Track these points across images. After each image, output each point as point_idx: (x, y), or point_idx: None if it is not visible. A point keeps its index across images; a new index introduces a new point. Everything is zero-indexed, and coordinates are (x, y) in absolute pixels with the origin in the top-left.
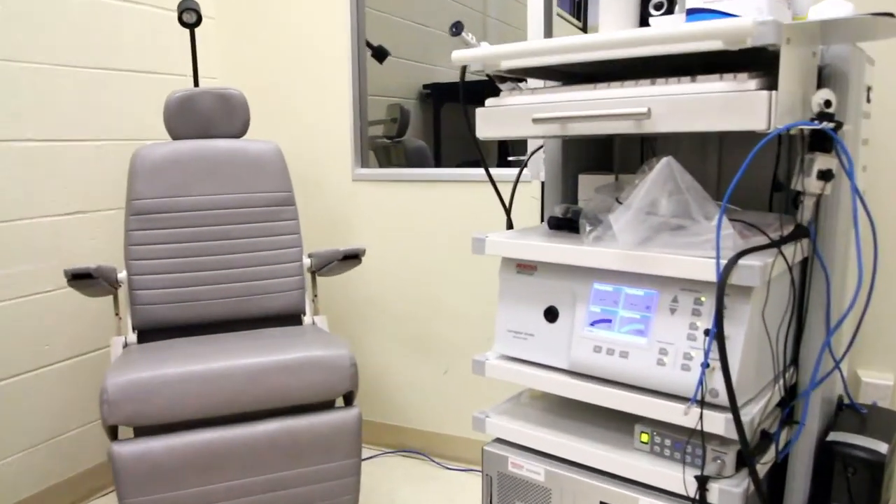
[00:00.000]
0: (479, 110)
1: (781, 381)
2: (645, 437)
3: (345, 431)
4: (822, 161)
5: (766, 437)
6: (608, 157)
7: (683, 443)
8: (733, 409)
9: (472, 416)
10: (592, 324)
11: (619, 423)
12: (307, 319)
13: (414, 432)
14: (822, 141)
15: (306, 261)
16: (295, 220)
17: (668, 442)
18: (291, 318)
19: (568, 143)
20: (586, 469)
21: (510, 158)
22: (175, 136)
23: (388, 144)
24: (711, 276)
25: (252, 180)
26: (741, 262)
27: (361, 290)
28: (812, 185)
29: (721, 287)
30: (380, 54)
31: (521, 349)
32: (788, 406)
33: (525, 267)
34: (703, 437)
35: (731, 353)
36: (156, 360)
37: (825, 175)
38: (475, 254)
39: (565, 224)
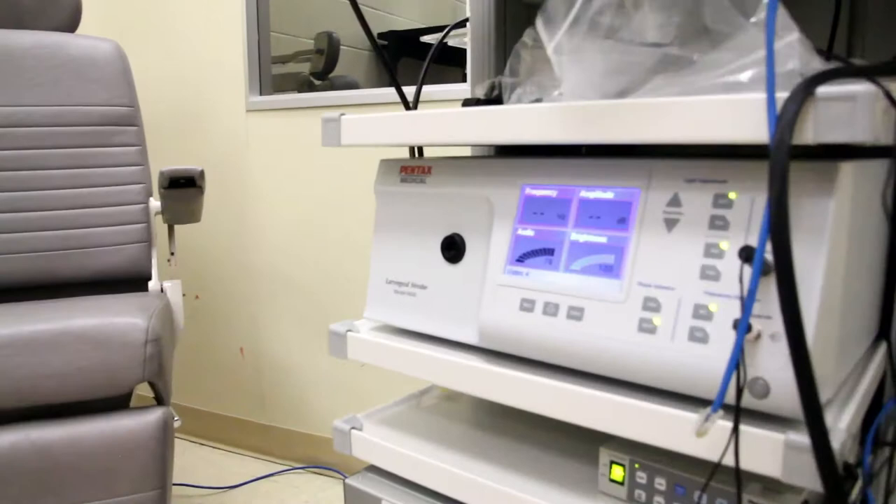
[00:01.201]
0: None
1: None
2: (618, 473)
3: (136, 447)
4: None
5: (849, 476)
6: None
7: (693, 488)
8: (813, 423)
9: (333, 425)
10: (520, 259)
11: (576, 444)
12: (154, 285)
13: (328, 442)
14: None
15: (154, 204)
16: (138, 146)
17: (661, 483)
18: (131, 282)
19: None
20: None
21: None
22: None
23: (314, 82)
24: (756, 134)
25: (75, 89)
26: (822, 91)
27: (259, 259)
28: None
29: (783, 151)
30: None
31: (406, 312)
32: (878, 418)
33: (413, 170)
34: (739, 479)
35: (805, 305)
36: None
37: None
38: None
39: (489, 105)
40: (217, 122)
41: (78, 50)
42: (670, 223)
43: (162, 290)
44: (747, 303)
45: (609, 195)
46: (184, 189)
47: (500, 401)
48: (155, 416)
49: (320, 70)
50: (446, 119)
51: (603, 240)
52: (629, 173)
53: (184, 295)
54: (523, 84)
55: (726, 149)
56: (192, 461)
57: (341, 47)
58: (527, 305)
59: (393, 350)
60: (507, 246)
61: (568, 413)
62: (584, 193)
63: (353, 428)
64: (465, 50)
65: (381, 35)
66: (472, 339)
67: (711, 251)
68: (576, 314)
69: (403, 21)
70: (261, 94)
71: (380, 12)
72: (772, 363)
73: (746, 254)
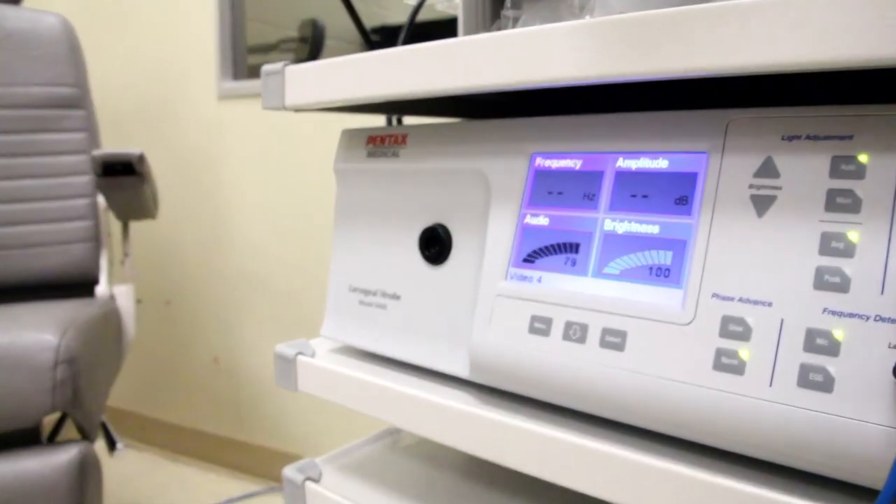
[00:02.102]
0: None
1: None
2: None
3: (43, 493)
4: None
5: None
6: None
7: None
8: None
9: (283, 474)
10: (529, 259)
11: None
12: (102, 290)
13: None
14: None
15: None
16: (85, 132)
17: None
18: (77, 287)
19: None
20: None
21: None
22: None
23: None
24: None
25: (13, 67)
26: None
27: (235, 260)
28: None
29: None
30: None
31: (373, 330)
32: None
33: (384, 141)
34: None
35: None
36: None
37: None
38: None
39: None
40: (187, 111)
41: (18, 23)
42: (761, 203)
43: (112, 297)
44: None
45: (662, 164)
46: (121, 177)
47: (500, 461)
48: (68, 455)
49: (304, 59)
50: (433, 55)
51: (653, 230)
52: (692, 130)
53: (139, 301)
54: (530, 11)
55: (851, 88)
56: (164, 480)
57: (330, 43)
58: (539, 326)
59: (354, 383)
60: (511, 240)
61: (601, 487)
62: (625, 162)
63: (307, 479)
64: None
65: (372, 30)
66: (460, 370)
67: (832, 245)
68: (614, 341)
69: (394, 16)
70: (234, 78)
71: (372, 8)
72: None
73: None
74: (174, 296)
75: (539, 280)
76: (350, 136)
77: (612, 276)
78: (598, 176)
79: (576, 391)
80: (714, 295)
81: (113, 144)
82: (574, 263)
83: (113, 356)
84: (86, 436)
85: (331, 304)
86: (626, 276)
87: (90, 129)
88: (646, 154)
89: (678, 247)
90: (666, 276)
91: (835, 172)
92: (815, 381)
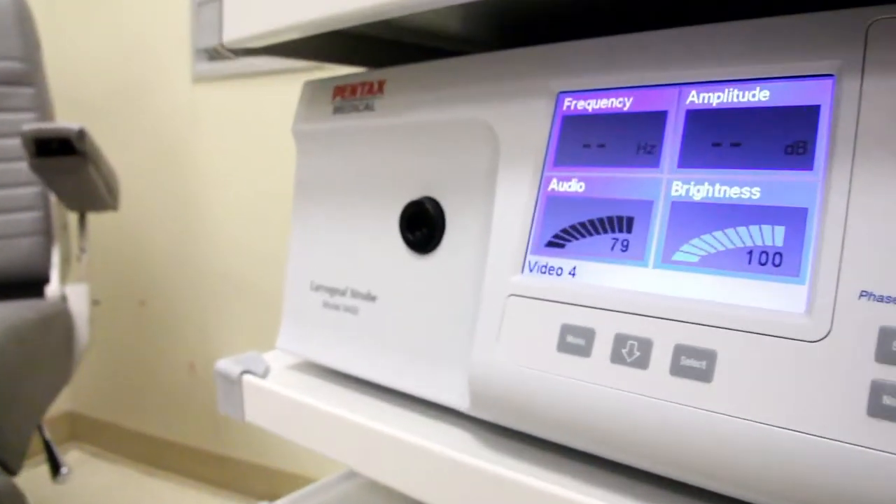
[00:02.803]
0: None
1: None
2: None
3: None
4: None
5: None
6: None
7: None
8: None
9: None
10: (556, 242)
11: None
12: (53, 290)
13: (290, 478)
14: None
15: None
16: (35, 111)
17: None
18: (24, 286)
19: None
20: None
21: None
22: None
23: None
24: None
25: None
26: None
27: (212, 257)
28: None
29: None
30: None
31: (342, 341)
32: None
33: (355, 91)
34: None
35: None
36: None
37: None
38: None
39: None
40: (159, 94)
41: None
42: None
43: (63, 298)
44: None
45: (761, 95)
46: (59, 158)
47: None
48: None
49: None
50: None
51: (752, 194)
52: (809, 41)
53: (97, 302)
54: None
55: None
56: (137, 495)
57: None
58: (575, 341)
59: (309, 414)
60: (530, 216)
61: None
62: (700, 97)
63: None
64: None
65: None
66: (457, 400)
67: None
68: (695, 366)
69: None
70: (210, 59)
71: None
72: None
73: None
74: (149, 295)
75: (573, 272)
76: (313, 88)
77: (687, 265)
78: (658, 118)
79: (631, 441)
80: (864, 294)
81: None
82: (626, 248)
83: (55, 367)
84: (8, 468)
85: (288, 306)
86: (711, 265)
87: (41, 109)
88: (733, 83)
89: (795, 218)
90: (776, 265)
91: None
92: None
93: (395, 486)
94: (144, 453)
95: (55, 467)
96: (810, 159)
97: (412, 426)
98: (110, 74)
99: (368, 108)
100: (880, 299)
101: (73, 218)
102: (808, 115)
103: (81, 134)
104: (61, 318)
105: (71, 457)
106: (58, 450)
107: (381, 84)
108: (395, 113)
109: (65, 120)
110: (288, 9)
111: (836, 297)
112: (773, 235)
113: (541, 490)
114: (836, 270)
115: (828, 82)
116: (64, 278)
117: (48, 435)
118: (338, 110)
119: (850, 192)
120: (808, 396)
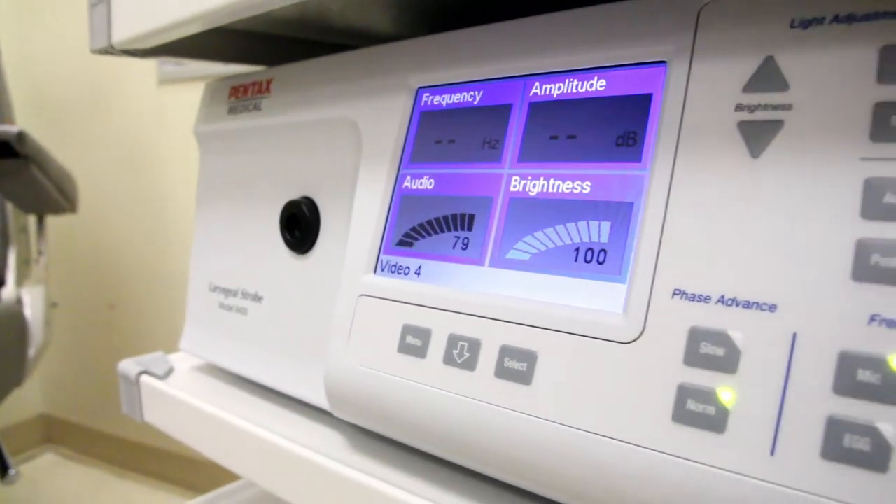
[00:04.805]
0: None
1: None
2: None
3: None
4: None
5: None
6: None
7: None
8: None
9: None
10: (405, 241)
11: None
12: (9, 293)
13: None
14: None
15: None
16: None
17: None
18: None
19: None
20: None
21: None
22: None
23: None
24: None
25: None
26: None
27: (182, 259)
28: None
29: None
30: None
31: (233, 342)
32: None
33: (247, 91)
34: None
35: None
36: None
37: None
38: None
39: None
40: (124, 96)
41: None
42: (758, 134)
43: (18, 302)
44: None
45: (597, 85)
46: (1, 161)
47: None
48: None
49: None
50: None
51: (583, 188)
52: (641, 28)
53: (54, 305)
54: None
55: None
56: (111, 498)
57: None
58: (413, 342)
59: (199, 418)
60: (384, 214)
61: None
62: (541, 88)
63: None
64: None
65: None
66: (321, 398)
67: (886, 201)
68: (515, 368)
69: None
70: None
71: None
72: None
73: None
74: (119, 298)
75: (419, 272)
76: (213, 89)
77: (520, 264)
78: (503, 112)
79: (462, 444)
80: (677, 292)
81: (40, 134)
82: (466, 246)
83: (4, 368)
84: None
85: (190, 308)
86: (540, 264)
87: None
88: (573, 73)
89: (620, 213)
90: (601, 263)
91: (886, 75)
92: (859, 451)
93: (268, 488)
94: (118, 456)
95: (3, 468)
96: (639, 151)
97: (294, 430)
98: (75, 77)
99: (256, 107)
100: (692, 298)
101: (32, 221)
102: (640, 105)
103: (21, 136)
104: (14, 321)
105: (45, 460)
106: (7, 451)
107: (268, 83)
108: (280, 112)
109: (29, 123)
110: (164, 7)
111: (650, 296)
112: (599, 232)
113: (394, 497)
114: (653, 268)
115: (660, 69)
116: (22, 281)
117: None
118: (231, 110)
119: (671, 185)
120: (619, 400)
